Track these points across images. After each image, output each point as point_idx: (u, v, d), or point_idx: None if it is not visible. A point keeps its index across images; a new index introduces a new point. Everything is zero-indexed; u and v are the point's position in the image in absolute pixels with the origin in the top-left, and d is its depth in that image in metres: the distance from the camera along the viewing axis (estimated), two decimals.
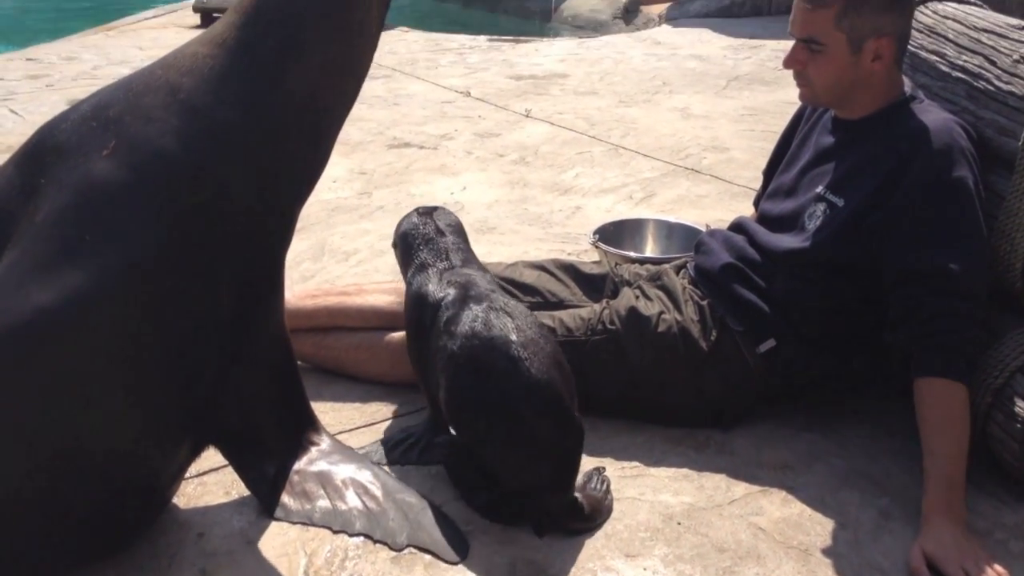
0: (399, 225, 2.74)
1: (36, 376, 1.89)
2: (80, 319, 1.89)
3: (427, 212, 2.73)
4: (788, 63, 2.59)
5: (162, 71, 2.07)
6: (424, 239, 2.63)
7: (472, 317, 2.28)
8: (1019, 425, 2.31)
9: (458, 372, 2.24)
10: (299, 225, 2.31)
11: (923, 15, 2.85)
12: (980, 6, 2.88)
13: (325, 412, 2.64)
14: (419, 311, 2.46)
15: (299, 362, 2.50)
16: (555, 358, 2.26)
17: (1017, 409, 2.31)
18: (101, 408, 1.94)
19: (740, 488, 2.43)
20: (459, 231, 2.70)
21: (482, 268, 2.61)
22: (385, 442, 2.54)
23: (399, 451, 2.50)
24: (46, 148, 2.03)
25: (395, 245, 2.74)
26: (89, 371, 1.92)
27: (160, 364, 1.99)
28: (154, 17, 9.39)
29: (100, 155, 1.95)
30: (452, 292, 2.40)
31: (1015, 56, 2.54)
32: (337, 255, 3.90)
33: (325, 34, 2.13)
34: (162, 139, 1.98)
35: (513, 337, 2.22)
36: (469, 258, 2.61)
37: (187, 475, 2.31)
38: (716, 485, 2.44)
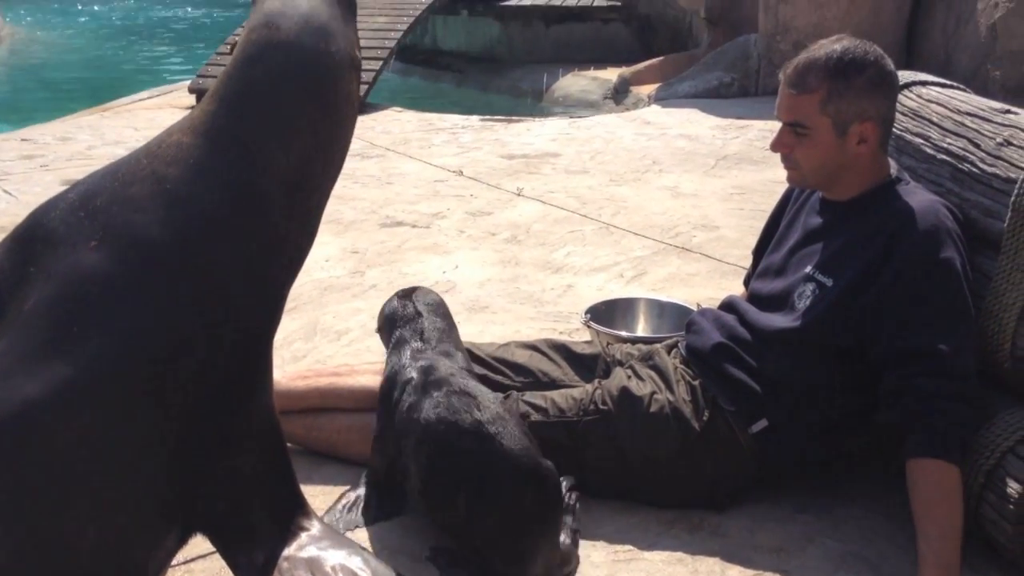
0: (382, 309, 2.80)
1: (21, 467, 1.87)
2: (67, 410, 1.88)
3: (406, 294, 2.79)
4: (775, 146, 2.63)
5: (147, 160, 2.08)
6: (403, 320, 2.69)
7: (434, 404, 2.35)
8: (1011, 506, 2.30)
9: (429, 458, 2.30)
10: (291, 304, 2.32)
11: (907, 99, 2.89)
12: (963, 90, 2.93)
13: (315, 496, 2.61)
14: (389, 392, 2.53)
15: (289, 444, 2.49)
16: (521, 428, 2.33)
17: (1009, 490, 2.31)
18: (87, 498, 1.92)
19: (734, 572, 2.41)
20: (437, 310, 2.74)
21: (457, 346, 2.65)
22: (340, 508, 2.59)
23: (354, 513, 2.57)
24: (35, 237, 2.04)
25: (379, 330, 2.80)
26: (75, 461, 1.90)
27: (147, 452, 1.98)
28: (149, 98, 9.48)
29: (88, 246, 1.97)
30: (415, 377, 2.47)
31: (998, 139, 2.58)
32: (329, 335, 3.90)
33: (313, 115, 2.15)
34: (148, 229, 1.99)
35: (477, 415, 2.28)
36: (444, 337, 2.65)
37: (174, 562, 2.28)
38: (710, 569, 2.42)
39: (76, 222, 2.01)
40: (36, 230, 2.06)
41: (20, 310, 1.96)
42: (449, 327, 2.70)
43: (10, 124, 9.15)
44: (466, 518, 2.23)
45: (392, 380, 2.54)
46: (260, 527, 2.22)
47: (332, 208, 5.65)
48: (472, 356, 2.89)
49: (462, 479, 2.23)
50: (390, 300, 2.80)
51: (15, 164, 6.67)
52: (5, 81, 13.90)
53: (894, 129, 2.71)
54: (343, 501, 2.62)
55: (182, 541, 2.17)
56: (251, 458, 2.19)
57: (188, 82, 9.64)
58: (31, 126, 8.22)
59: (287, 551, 2.24)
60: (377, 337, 3.81)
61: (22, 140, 7.44)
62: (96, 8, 21.74)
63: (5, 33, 16.16)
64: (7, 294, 2.00)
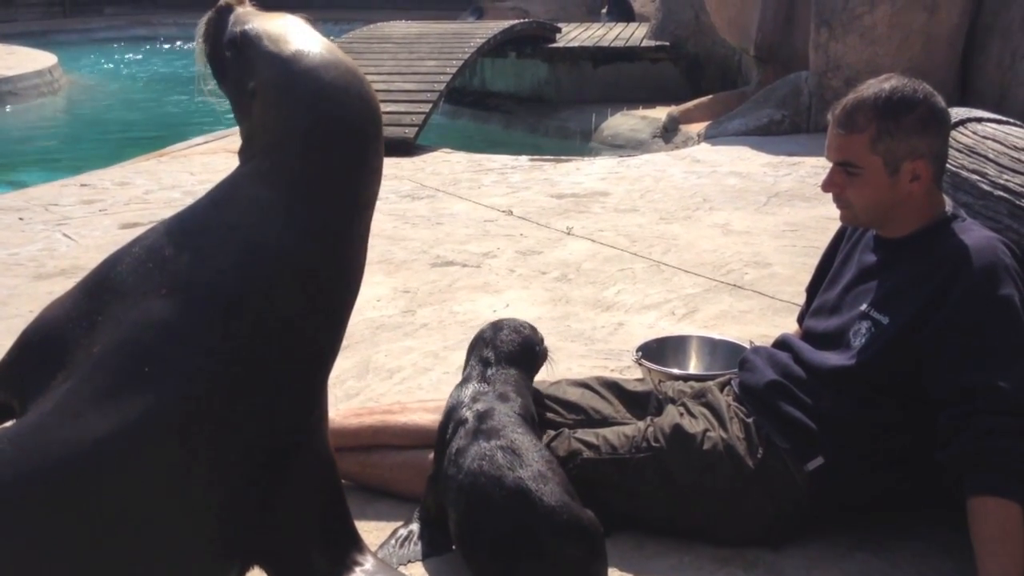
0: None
1: (90, 503, 1.92)
2: (135, 448, 1.93)
3: (496, 325, 2.83)
4: (826, 187, 2.63)
5: (216, 211, 2.13)
6: (478, 352, 2.75)
7: (480, 454, 2.36)
8: None
9: (467, 509, 2.32)
10: (343, 343, 2.34)
11: (963, 135, 2.88)
12: (1019, 126, 2.91)
13: (369, 531, 2.63)
14: (443, 429, 2.57)
15: (344, 480, 2.51)
16: (564, 486, 2.32)
17: None
18: (150, 533, 1.96)
19: None
20: (512, 348, 2.75)
21: (518, 389, 2.65)
22: (393, 543, 2.60)
23: (406, 548, 2.58)
24: (103, 288, 2.10)
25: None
26: (141, 497, 1.95)
27: (209, 488, 2.02)
28: (204, 143, 9.58)
29: (159, 293, 2.02)
30: (469, 420, 2.49)
31: None
32: (381, 373, 3.93)
33: (365, 164, 2.20)
34: (220, 276, 2.04)
35: (519, 472, 2.29)
36: (509, 379, 2.66)
37: None
38: None
39: (145, 272, 2.07)
40: (104, 282, 2.12)
41: (89, 354, 2.01)
42: (520, 367, 2.72)
43: (69, 170, 9.27)
44: (503, 572, 2.25)
45: (448, 417, 2.57)
46: (316, 561, 2.24)
47: (383, 248, 5.72)
48: None
49: (496, 534, 2.25)
50: (485, 327, 2.85)
51: (75, 209, 6.80)
52: (64, 129, 14.14)
53: (949, 166, 2.69)
54: (396, 536, 2.63)
55: (240, 574, 2.20)
56: (307, 493, 2.22)
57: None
58: (90, 172, 8.33)
59: None
60: (428, 375, 3.87)
61: (81, 185, 7.57)
62: (151, 57, 22.17)
63: (63, 82, 16.49)
64: (74, 342, 2.06)
